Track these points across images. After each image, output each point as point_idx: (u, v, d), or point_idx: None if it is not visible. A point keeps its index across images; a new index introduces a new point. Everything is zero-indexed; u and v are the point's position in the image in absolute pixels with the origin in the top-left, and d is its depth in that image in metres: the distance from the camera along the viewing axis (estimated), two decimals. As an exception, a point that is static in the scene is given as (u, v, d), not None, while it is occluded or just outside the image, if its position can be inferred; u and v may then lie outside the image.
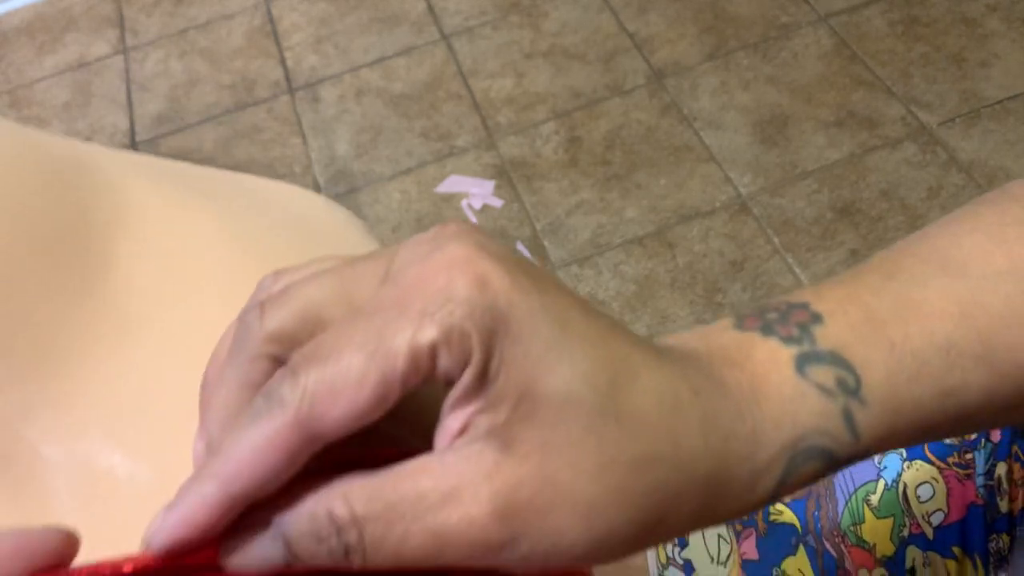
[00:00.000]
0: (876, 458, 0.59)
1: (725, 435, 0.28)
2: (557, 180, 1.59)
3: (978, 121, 1.55)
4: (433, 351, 0.25)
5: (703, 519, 0.29)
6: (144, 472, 0.29)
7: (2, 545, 0.24)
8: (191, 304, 0.31)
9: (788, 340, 0.31)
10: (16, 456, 0.29)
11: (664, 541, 0.29)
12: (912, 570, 0.56)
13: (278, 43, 1.94)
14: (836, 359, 0.30)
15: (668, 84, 1.70)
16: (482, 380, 0.26)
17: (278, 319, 0.27)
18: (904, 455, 0.58)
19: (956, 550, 0.55)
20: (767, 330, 0.31)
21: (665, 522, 0.28)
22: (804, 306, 0.32)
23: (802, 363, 0.30)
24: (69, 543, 0.25)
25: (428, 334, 0.25)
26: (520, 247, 1.51)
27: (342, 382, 0.25)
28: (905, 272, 0.33)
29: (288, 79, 1.86)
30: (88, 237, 0.31)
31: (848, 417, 0.30)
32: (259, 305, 0.28)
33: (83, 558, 0.26)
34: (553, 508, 0.26)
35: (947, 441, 0.57)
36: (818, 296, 0.32)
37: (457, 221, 0.28)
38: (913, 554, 0.56)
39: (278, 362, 0.27)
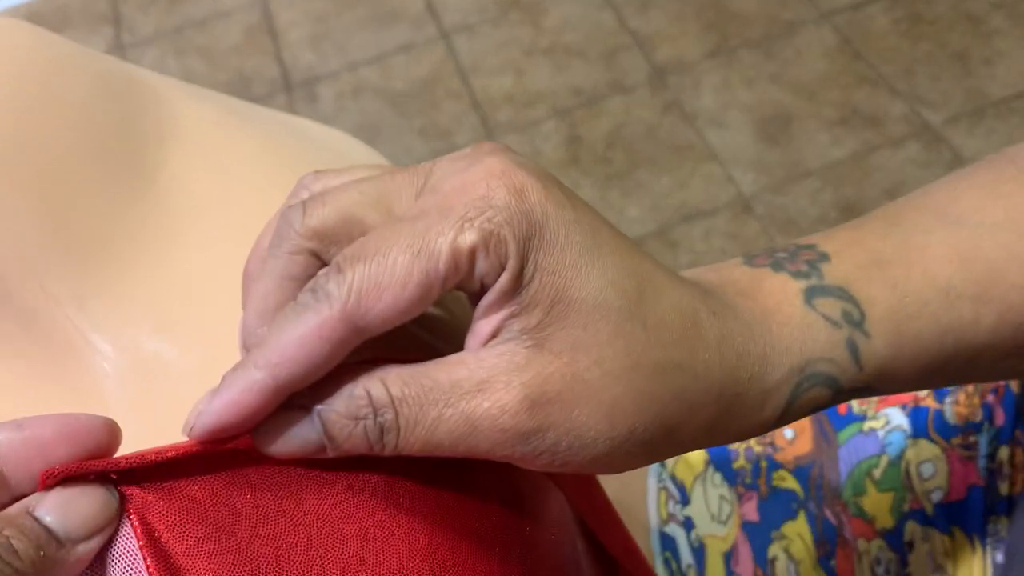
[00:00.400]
0: (880, 434, 0.58)
1: (739, 353, 0.31)
2: (558, 178, 1.58)
3: (982, 119, 1.53)
4: (472, 254, 0.27)
5: (714, 433, 0.31)
6: (190, 359, 0.31)
7: (47, 428, 0.26)
8: (234, 211, 0.33)
9: (797, 274, 0.33)
10: (67, 341, 0.31)
11: (676, 453, 0.31)
12: (911, 543, 0.56)
13: (275, 41, 1.92)
14: (842, 293, 0.33)
15: (670, 82, 1.69)
16: (516, 284, 0.28)
17: (319, 216, 0.29)
18: (909, 432, 0.58)
19: (955, 529, 0.55)
20: (777, 267, 0.33)
21: (679, 431, 0.30)
22: (811, 247, 0.34)
23: (810, 295, 0.32)
24: (112, 432, 0.27)
25: (469, 237, 0.27)
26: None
27: (387, 279, 0.27)
28: (908, 221, 0.35)
29: (285, 77, 1.85)
30: (138, 144, 0.33)
31: (852, 347, 0.32)
32: (301, 202, 0.29)
33: (128, 440, 0.28)
34: (579, 403, 0.28)
35: (951, 422, 0.57)
36: (825, 238, 0.35)
37: (492, 142, 0.30)
38: (912, 528, 0.56)
39: (317, 257, 0.29)
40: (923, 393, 0.60)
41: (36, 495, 0.26)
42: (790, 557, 0.59)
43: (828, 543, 0.59)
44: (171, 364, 0.31)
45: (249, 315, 0.29)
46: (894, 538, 0.57)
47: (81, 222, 0.31)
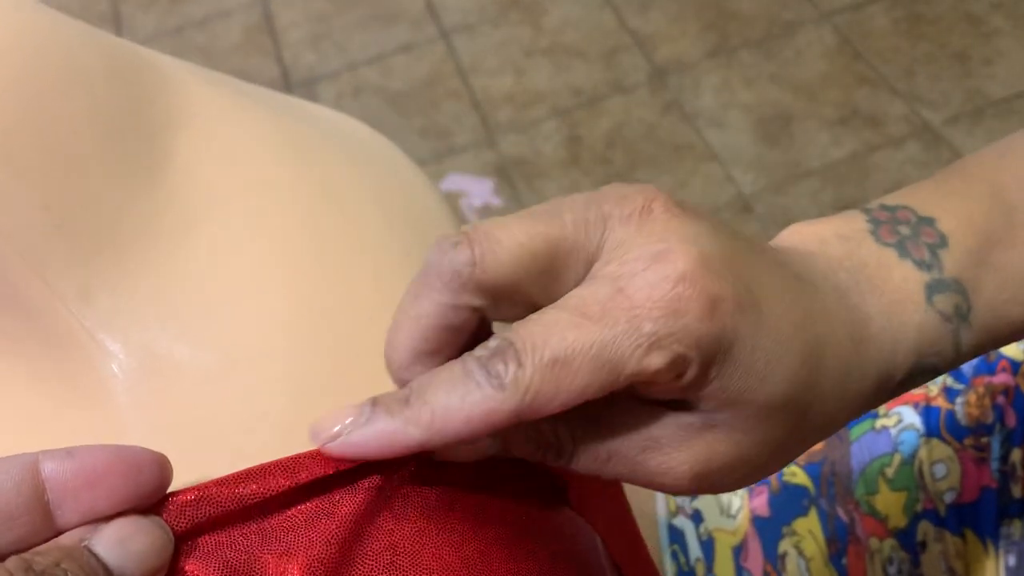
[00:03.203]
0: (893, 432, 0.59)
1: (877, 374, 0.33)
2: (558, 179, 1.58)
3: (982, 119, 1.53)
4: (656, 373, 0.28)
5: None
6: (204, 359, 0.29)
7: (99, 459, 0.25)
8: (249, 203, 0.32)
9: (920, 264, 0.34)
10: (73, 340, 0.29)
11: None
12: (923, 544, 0.56)
13: (275, 40, 1.92)
14: (958, 287, 0.35)
15: (670, 82, 1.69)
16: (691, 391, 0.29)
17: (492, 274, 0.28)
18: (922, 431, 0.58)
19: (967, 531, 0.55)
20: (902, 251, 0.34)
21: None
22: (931, 223, 0.35)
23: (931, 292, 0.34)
24: (164, 469, 0.26)
25: (655, 361, 0.27)
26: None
27: (566, 386, 0.27)
28: (1004, 193, 0.37)
29: (285, 77, 1.84)
30: (150, 130, 0.32)
31: (956, 339, 0.35)
32: (469, 247, 0.28)
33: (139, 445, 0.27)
34: (735, 472, 0.30)
35: (963, 423, 0.57)
36: (941, 210, 0.36)
37: (662, 198, 0.30)
38: (925, 528, 0.56)
39: (478, 312, 0.29)
40: (934, 392, 0.60)
41: (90, 527, 0.25)
42: (801, 553, 0.59)
43: (839, 541, 0.58)
44: (183, 365, 0.29)
45: (403, 352, 0.29)
46: (907, 538, 0.57)
47: (88, 214, 0.30)
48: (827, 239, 0.35)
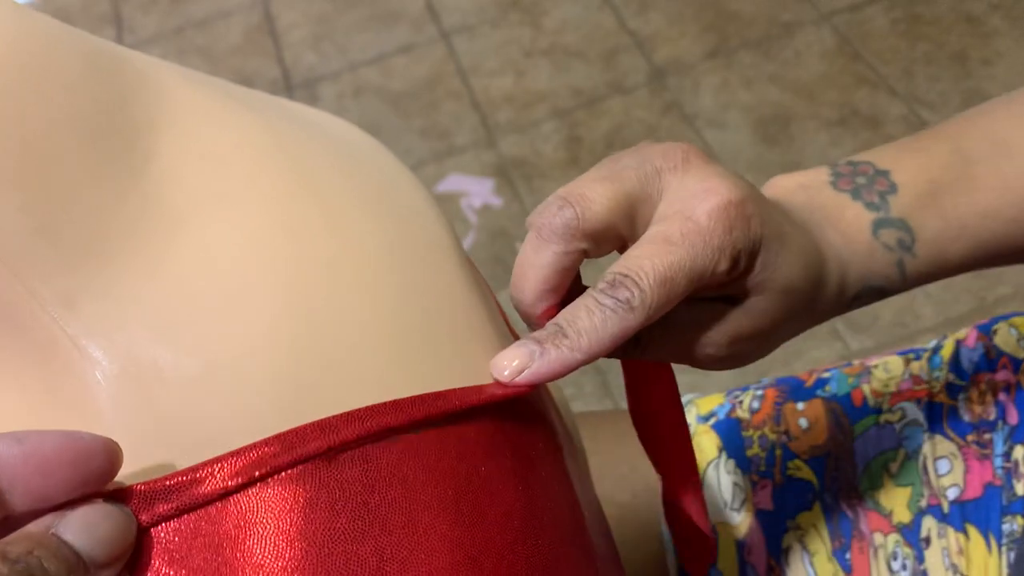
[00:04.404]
0: (897, 427, 0.59)
1: (836, 283, 0.43)
2: (557, 179, 1.58)
3: (982, 120, 1.53)
4: (722, 273, 0.38)
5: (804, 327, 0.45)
6: (189, 365, 0.29)
7: (47, 445, 0.25)
8: (232, 205, 0.32)
9: (870, 206, 0.44)
10: (55, 347, 0.29)
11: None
12: (927, 540, 0.56)
13: (276, 41, 1.92)
14: (902, 224, 0.44)
15: (669, 83, 1.69)
16: (736, 283, 0.40)
17: (592, 223, 0.38)
18: (925, 426, 0.59)
19: (970, 527, 0.55)
20: (856, 195, 0.45)
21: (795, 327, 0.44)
22: (886, 174, 0.45)
23: (877, 226, 0.44)
24: (114, 456, 0.26)
25: (723, 265, 0.38)
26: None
27: (673, 297, 0.37)
28: (967, 149, 0.46)
29: (286, 77, 1.85)
30: (131, 132, 0.31)
31: (901, 266, 0.44)
32: (572, 208, 0.38)
33: (126, 453, 0.27)
34: (752, 342, 0.42)
35: (965, 419, 0.58)
36: (899, 164, 0.45)
37: (694, 149, 0.40)
38: (929, 524, 0.56)
39: (583, 254, 0.39)
40: (937, 388, 0.60)
41: (56, 514, 0.25)
42: (804, 548, 0.59)
43: (843, 536, 0.58)
44: (167, 371, 0.29)
45: (531, 294, 0.39)
46: (911, 533, 0.57)
47: (69, 217, 0.29)
48: (792, 189, 0.45)
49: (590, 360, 0.37)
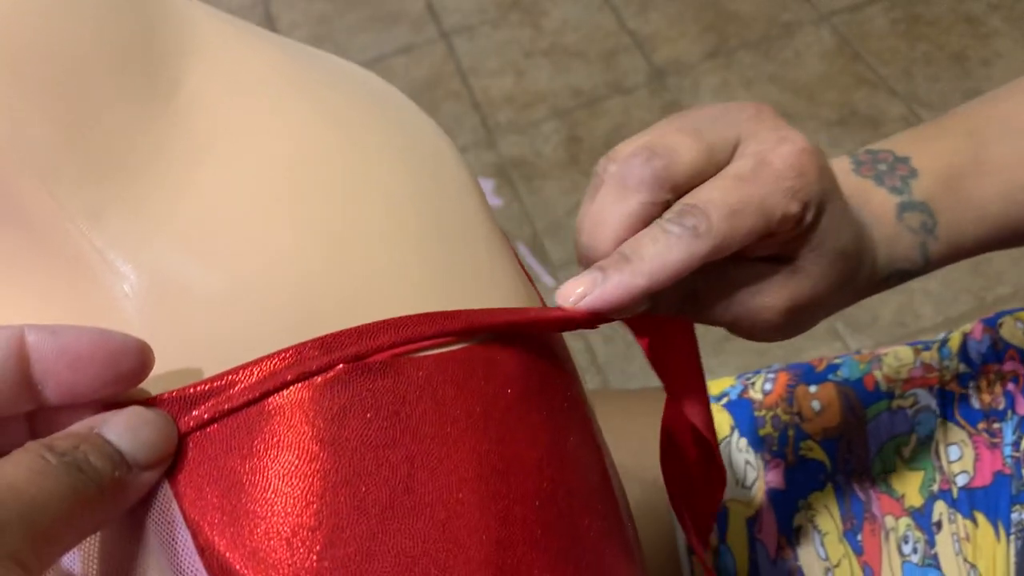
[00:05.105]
0: (909, 412, 0.60)
1: (870, 261, 0.44)
2: (557, 179, 1.58)
3: (981, 120, 1.54)
4: (792, 216, 0.38)
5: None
6: (215, 280, 0.29)
7: (81, 341, 0.26)
8: (257, 131, 0.32)
9: (893, 190, 0.45)
10: (82, 260, 0.29)
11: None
12: (939, 524, 0.56)
13: (276, 41, 1.92)
14: (924, 207, 0.45)
15: (669, 83, 1.69)
16: (799, 238, 0.40)
17: (680, 174, 0.38)
18: (937, 412, 0.59)
19: (978, 514, 0.55)
20: (879, 180, 0.46)
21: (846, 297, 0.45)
22: (906, 160, 0.46)
23: (901, 210, 0.45)
24: (146, 357, 0.27)
25: (793, 208, 0.38)
26: (521, 247, 1.50)
27: (741, 232, 0.37)
28: (981, 133, 0.47)
29: (286, 78, 1.85)
30: (158, 57, 0.32)
31: (924, 248, 0.45)
32: (661, 160, 0.38)
33: (153, 368, 0.27)
34: (806, 312, 0.43)
35: (976, 407, 0.58)
36: (917, 150, 0.46)
37: (765, 104, 0.41)
38: (940, 509, 0.57)
39: (667, 205, 0.38)
40: (948, 377, 0.60)
41: (99, 416, 0.26)
42: (816, 528, 0.59)
43: (855, 517, 0.58)
44: (194, 287, 0.29)
45: (608, 244, 0.38)
46: (922, 518, 0.57)
47: (98, 133, 0.30)
48: None
49: (654, 287, 0.36)
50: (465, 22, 1.88)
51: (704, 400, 0.45)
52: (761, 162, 0.38)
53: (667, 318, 0.43)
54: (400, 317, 0.30)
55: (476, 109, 1.73)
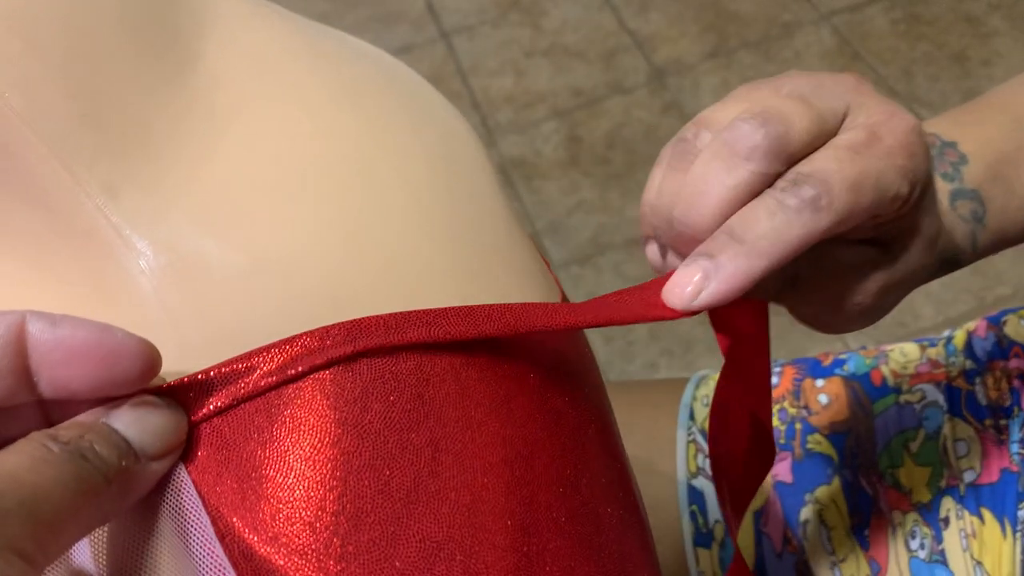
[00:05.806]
0: (917, 407, 0.59)
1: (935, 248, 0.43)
2: (557, 179, 1.58)
3: (981, 120, 1.54)
4: (902, 197, 0.37)
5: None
6: (233, 258, 0.29)
7: (80, 336, 0.25)
8: (276, 107, 0.32)
9: (945, 176, 0.44)
10: (97, 235, 0.29)
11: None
12: (946, 520, 0.56)
13: (275, 41, 1.92)
14: (975, 195, 0.44)
15: (669, 83, 1.69)
16: (902, 218, 0.39)
17: (795, 143, 0.35)
18: (945, 408, 0.58)
19: (985, 511, 0.55)
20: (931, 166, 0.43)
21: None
22: (954, 146, 0.45)
23: (954, 197, 0.44)
24: (151, 362, 0.26)
25: (904, 189, 0.36)
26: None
27: (860, 207, 0.35)
28: (1023, 114, 0.46)
29: (285, 77, 1.84)
30: (177, 32, 0.31)
31: (973, 237, 0.44)
32: (776, 127, 0.35)
33: (170, 346, 0.27)
34: (892, 296, 0.42)
35: (983, 403, 0.58)
36: (963, 136, 0.45)
37: (863, 77, 0.40)
38: (948, 505, 0.56)
39: (776, 176, 0.35)
40: (954, 373, 0.60)
41: (106, 406, 0.26)
42: (823, 522, 0.59)
43: (863, 512, 0.58)
44: (212, 264, 0.29)
45: (713, 217, 0.35)
46: (930, 513, 0.56)
47: (115, 108, 0.29)
48: None
49: (773, 266, 0.34)
50: (465, 22, 1.88)
51: (767, 385, 0.44)
52: (873, 135, 0.36)
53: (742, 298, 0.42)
54: (430, 310, 0.29)
55: (476, 109, 1.72)
